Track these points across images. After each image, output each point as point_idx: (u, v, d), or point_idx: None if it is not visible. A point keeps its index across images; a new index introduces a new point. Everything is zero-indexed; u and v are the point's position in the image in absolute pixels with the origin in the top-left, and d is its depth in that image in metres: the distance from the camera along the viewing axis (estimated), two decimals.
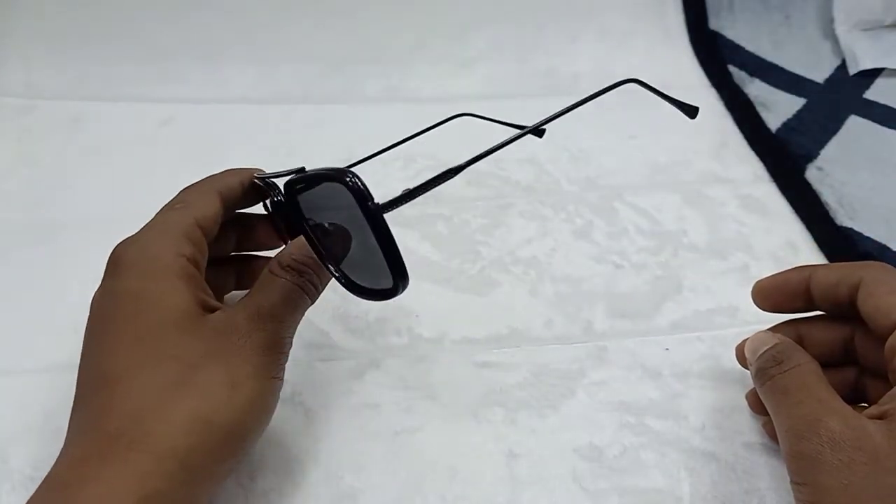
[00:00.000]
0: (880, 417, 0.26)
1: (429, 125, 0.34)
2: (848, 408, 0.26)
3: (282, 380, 0.29)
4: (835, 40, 0.61)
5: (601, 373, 0.37)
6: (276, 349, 0.28)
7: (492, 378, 0.36)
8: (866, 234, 0.44)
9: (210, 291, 0.30)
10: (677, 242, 0.45)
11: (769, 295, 0.33)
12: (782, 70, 0.60)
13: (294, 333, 0.29)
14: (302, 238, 0.29)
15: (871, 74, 0.58)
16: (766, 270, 0.42)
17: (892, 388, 0.27)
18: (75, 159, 0.51)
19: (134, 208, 0.47)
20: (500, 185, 0.49)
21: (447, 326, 0.39)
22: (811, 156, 0.51)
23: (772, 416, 0.29)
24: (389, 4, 0.62)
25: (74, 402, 0.28)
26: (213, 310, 0.28)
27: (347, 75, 0.59)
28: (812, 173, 0.49)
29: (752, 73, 0.60)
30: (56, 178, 0.49)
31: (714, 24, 0.64)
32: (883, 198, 0.47)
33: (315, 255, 0.29)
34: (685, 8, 0.65)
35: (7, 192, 0.48)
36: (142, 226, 0.32)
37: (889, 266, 0.30)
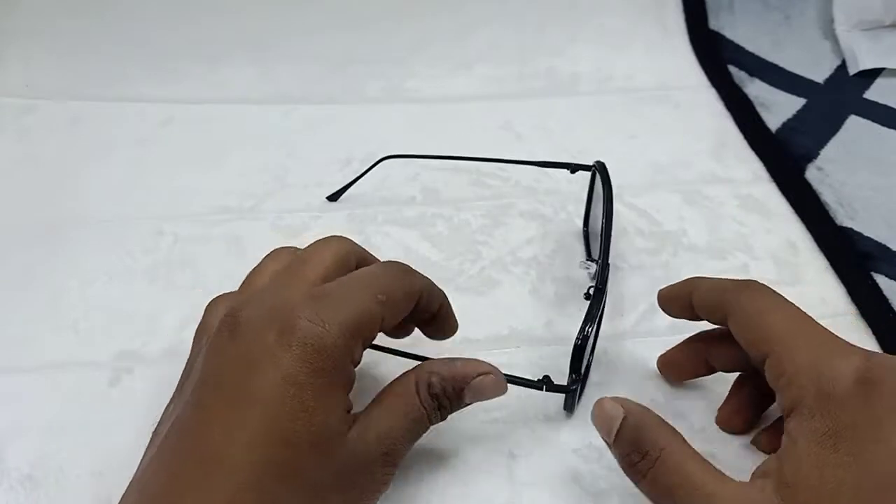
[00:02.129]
0: (767, 473, 0.25)
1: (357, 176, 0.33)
2: (733, 486, 0.25)
3: None
4: (835, 40, 0.61)
5: (601, 374, 0.37)
6: (388, 482, 0.27)
7: None
8: (866, 234, 0.44)
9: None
10: (677, 242, 0.45)
11: (665, 306, 0.34)
12: (782, 70, 0.60)
13: None
14: (463, 367, 0.29)
15: (871, 74, 0.58)
16: (766, 270, 0.43)
17: None
18: (75, 159, 0.51)
19: (134, 208, 0.48)
20: (500, 185, 0.49)
21: None
22: (811, 156, 0.51)
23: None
24: (389, 4, 0.62)
25: (177, 450, 0.25)
26: (349, 423, 0.26)
27: (347, 75, 0.59)
28: (812, 173, 0.49)
29: (751, 73, 0.60)
30: (56, 178, 0.49)
31: (714, 23, 0.64)
32: (883, 198, 0.47)
33: (467, 394, 0.29)
34: (685, 8, 0.65)
35: (7, 192, 0.48)
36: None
37: (757, 285, 0.30)
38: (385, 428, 0.27)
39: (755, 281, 0.30)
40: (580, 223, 0.46)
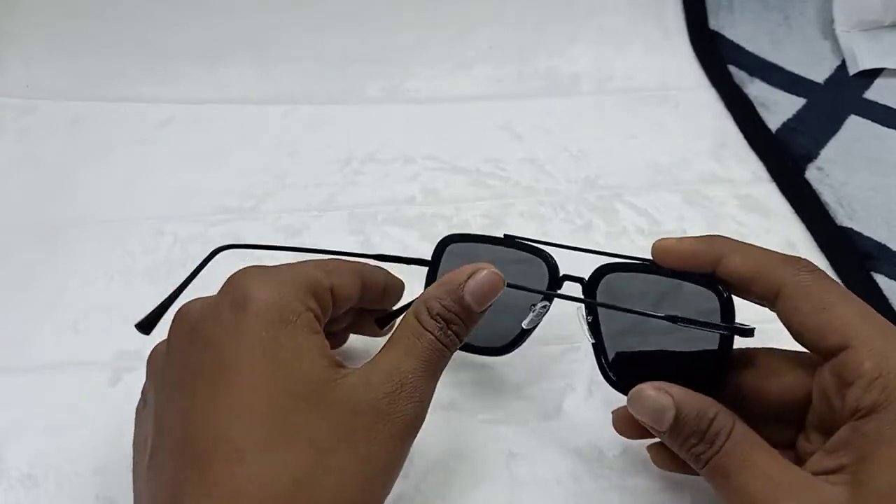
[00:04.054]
0: (834, 471, 0.24)
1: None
2: (799, 475, 0.24)
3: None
4: (835, 40, 0.61)
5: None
6: (413, 432, 0.25)
7: (492, 378, 0.36)
8: (866, 234, 0.44)
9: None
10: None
11: (669, 260, 0.29)
12: (782, 70, 0.60)
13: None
14: (452, 276, 0.27)
15: (871, 74, 0.58)
16: None
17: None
18: (75, 159, 0.51)
19: (134, 208, 0.48)
20: (500, 185, 0.49)
21: None
22: (811, 156, 0.51)
23: (718, 496, 0.26)
24: (389, 4, 0.62)
25: (173, 449, 0.24)
26: (342, 373, 0.25)
27: (347, 75, 0.59)
28: (812, 173, 0.49)
29: (751, 73, 0.60)
30: (56, 178, 0.49)
31: (714, 24, 0.64)
32: (883, 198, 0.47)
33: (469, 299, 0.27)
34: (685, 8, 0.65)
35: (7, 192, 0.48)
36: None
37: (812, 266, 0.27)
38: (391, 365, 0.25)
39: (808, 261, 0.28)
40: (580, 223, 0.46)
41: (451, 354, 0.27)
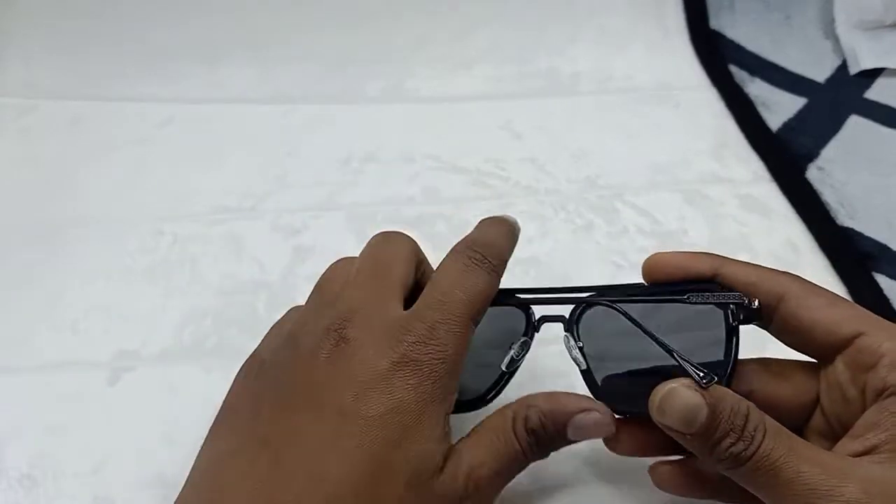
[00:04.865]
0: (865, 453, 0.24)
1: None
2: (844, 458, 0.24)
3: None
4: (835, 40, 0.61)
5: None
6: None
7: None
8: (867, 234, 0.44)
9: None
10: (678, 242, 0.44)
11: (658, 272, 0.29)
12: (783, 70, 0.60)
13: None
14: (565, 400, 0.27)
15: (872, 74, 0.58)
16: None
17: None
18: (75, 159, 0.51)
19: (134, 208, 0.48)
20: (500, 185, 0.49)
21: None
22: (812, 155, 0.51)
23: (760, 496, 0.24)
24: (389, 4, 0.62)
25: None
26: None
27: (347, 75, 0.59)
28: (813, 173, 0.49)
29: (752, 73, 0.60)
30: (56, 178, 0.49)
31: (714, 23, 0.64)
32: (883, 198, 0.47)
33: (571, 435, 0.27)
34: (685, 7, 0.65)
35: (7, 192, 0.48)
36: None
37: (805, 279, 0.28)
38: (476, 463, 0.25)
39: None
40: (580, 223, 0.46)
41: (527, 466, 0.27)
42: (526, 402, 0.27)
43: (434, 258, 0.43)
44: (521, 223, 0.46)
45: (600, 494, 0.32)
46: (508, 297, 0.29)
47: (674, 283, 0.28)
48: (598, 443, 0.29)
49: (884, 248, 0.43)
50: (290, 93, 0.57)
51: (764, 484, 0.23)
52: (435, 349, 0.25)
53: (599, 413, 0.27)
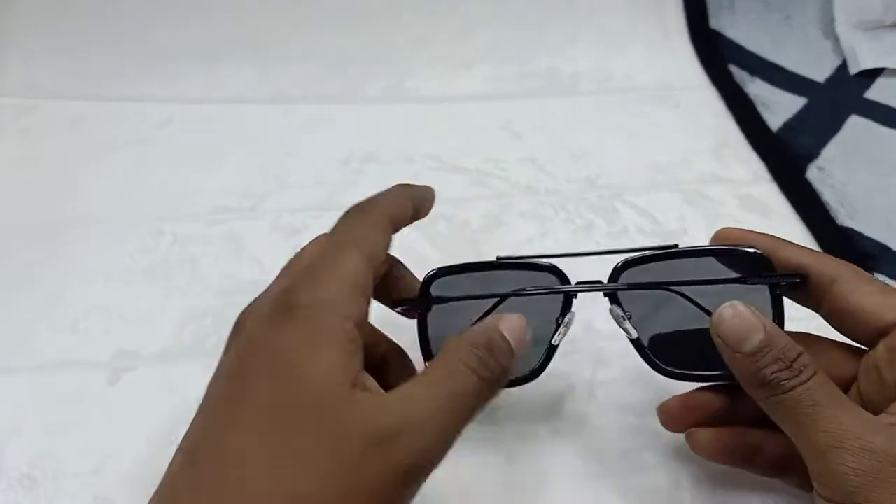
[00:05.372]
0: None
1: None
2: (882, 417, 0.25)
3: None
4: (835, 40, 0.61)
5: (602, 373, 0.36)
6: (418, 475, 0.24)
7: None
8: (867, 233, 0.44)
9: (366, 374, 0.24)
10: (677, 242, 0.44)
11: (730, 241, 0.31)
12: (783, 70, 0.60)
13: None
14: (485, 321, 0.26)
15: (872, 74, 0.58)
16: None
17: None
18: (75, 159, 0.51)
19: (134, 208, 0.48)
20: (500, 184, 0.49)
21: None
22: (812, 155, 0.51)
23: (789, 429, 0.25)
24: (389, 4, 0.62)
25: (187, 451, 0.24)
26: (358, 395, 0.23)
27: (347, 75, 0.59)
28: (813, 173, 0.49)
29: (752, 73, 0.60)
30: (56, 178, 0.49)
31: (714, 23, 0.64)
32: (883, 198, 0.47)
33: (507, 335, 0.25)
34: (685, 7, 0.65)
35: (7, 192, 0.48)
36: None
37: (858, 267, 0.29)
38: (410, 396, 0.24)
39: None
40: (580, 222, 0.46)
41: (491, 396, 0.25)
42: (458, 335, 0.26)
43: (434, 258, 0.43)
44: (521, 223, 0.46)
45: (597, 488, 0.32)
46: (532, 266, 0.31)
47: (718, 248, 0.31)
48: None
49: (884, 248, 0.43)
50: (290, 93, 0.57)
51: (799, 420, 0.25)
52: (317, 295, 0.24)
53: (511, 314, 0.27)
